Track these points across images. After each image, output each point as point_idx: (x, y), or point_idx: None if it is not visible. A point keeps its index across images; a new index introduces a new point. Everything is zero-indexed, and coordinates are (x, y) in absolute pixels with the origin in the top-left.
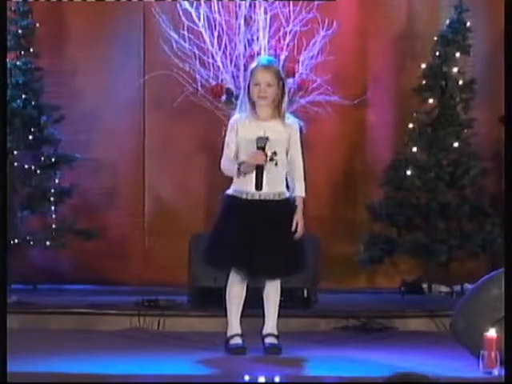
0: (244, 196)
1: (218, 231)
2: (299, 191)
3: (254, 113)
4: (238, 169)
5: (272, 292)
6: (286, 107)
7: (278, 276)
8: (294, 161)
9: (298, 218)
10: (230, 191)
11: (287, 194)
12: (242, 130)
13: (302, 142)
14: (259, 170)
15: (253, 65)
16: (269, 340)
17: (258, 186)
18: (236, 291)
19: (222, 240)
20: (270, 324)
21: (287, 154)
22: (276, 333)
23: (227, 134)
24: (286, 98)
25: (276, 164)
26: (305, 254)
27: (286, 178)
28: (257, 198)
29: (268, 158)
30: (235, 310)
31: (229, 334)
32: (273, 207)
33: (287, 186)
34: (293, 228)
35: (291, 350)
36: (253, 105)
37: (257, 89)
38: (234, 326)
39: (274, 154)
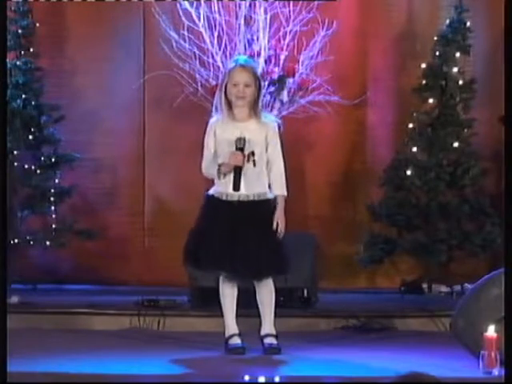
0: (224, 197)
1: (199, 233)
2: (278, 190)
3: (231, 113)
4: (219, 170)
5: (263, 292)
6: (261, 106)
7: (261, 277)
8: (272, 160)
9: (279, 216)
10: (211, 192)
11: (269, 195)
12: (220, 131)
13: (281, 140)
14: (237, 171)
15: (230, 65)
16: (268, 340)
17: (236, 186)
18: (227, 291)
19: (203, 242)
20: (267, 324)
21: (266, 154)
22: (274, 332)
23: (206, 136)
24: (261, 98)
25: (254, 164)
26: (286, 253)
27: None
28: (236, 199)
29: (246, 159)
30: (229, 310)
31: (227, 334)
32: (252, 208)
33: (270, 186)
34: (273, 227)
35: (291, 350)
36: (229, 105)
37: (235, 89)
38: (231, 325)
39: (252, 154)
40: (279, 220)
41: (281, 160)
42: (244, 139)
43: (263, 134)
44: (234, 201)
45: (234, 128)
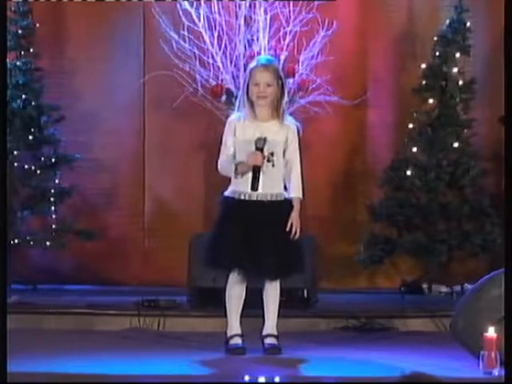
0: (241, 197)
1: (218, 233)
2: (295, 192)
3: (253, 113)
4: (236, 169)
5: (271, 292)
6: (284, 108)
7: (275, 277)
8: (290, 162)
9: (294, 219)
10: (227, 192)
11: (285, 195)
12: (240, 130)
13: (300, 143)
14: (256, 170)
15: (252, 64)
16: (268, 340)
17: (254, 186)
18: (236, 292)
19: (223, 242)
20: (270, 324)
21: (285, 155)
22: (276, 333)
23: (224, 133)
24: (285, 98)
25: (273, 165)
26: (302, 255)
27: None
28: (254, 198)
29: (265, 159)
30: (235, 311)
31: (228, 334)
32: (270, 208)
33: (285, 188)
34: (287, 229)
35: (291, 350)
36: (251, 105)
37: (256, 89)
38: (234, 326)
39: (271, 154)
40: (294, 222)
41: (299, 163)
42: (264, 139)
43: (284, 135)
44: (251, 200)
45: (255, 127)
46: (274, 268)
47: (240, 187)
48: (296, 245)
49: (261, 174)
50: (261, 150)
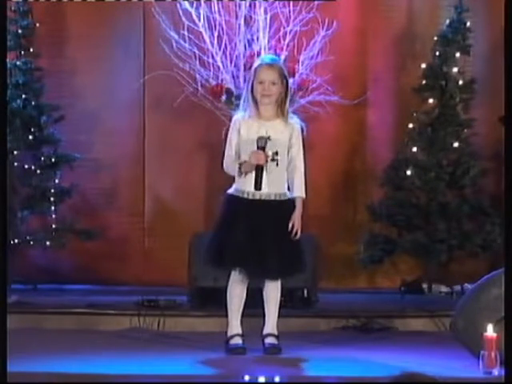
0: (245, 196)
1: (222, 232)
2: (299, 192)
3: (257, 112)
4: (239, 168)
5: (272, 292)
6: (288, 106)
7: (278, 277)
8: (294, 161)
9: (295, 218)
10: (231, 190)
11: (289, 195)
12: (245, 129)
13: (303, 142)
14: (259, 169)
15: (256, 63)
16: (269, 340)
17: (258, 185)
18: (237, 291)
19: (227, 241)
20: (270, 324)
21: (288, 155)
22: (276, 333)
23: (229, 132)
24: (289, 97)
25: (277, 164)
26: (304, 254)
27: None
28: (258, 197)
29: (269, 158)
30: (236, 311)
31: (229, 334)
32: (274, 207)
33: (288, 187)
34: (290, 228)
35: (291, 350)
36: (256, 103)
37: (261, 87)
38: (235, 326)
39: (276, 153)
40: (296, 222)
41: (302, 163)
42: (266, 139)
43: (288, 134)
44: (255, 199)
45: (260, 126)
46: (277, 267)
47: (244, 186)
48: (297, 244)
49: (264, 173)
50: (262, 148)
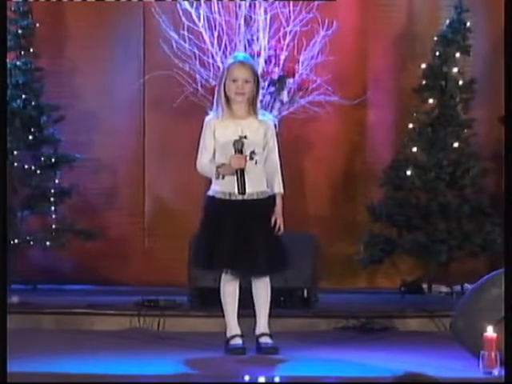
0: (227, 197)
1: (208, 234)
2: (278, 188)
3: (230, 111)
4: (217, 171)
5: (262, 290)
6: (259, 104)
7: (268, 273)
8: (270, 157)
9: (277, 214)
10: (211, 192)
11: (269, 192)
12: (220, 130)
13: (277, 138)
14: (240, 173)
15: (228, 61)
16: (263, 340)
17: (241, 189)
18: (230, 290)
19: (214, 243)
20: (263, 323)
21: (264, 151)
22: (269, 332)
23: (203, 133)
24: (259, 95)
25: (256, 162)
26: (286, 251)
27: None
28: (240, 198)
29: (248, 158)
30: (231, 310)
31: (228, 334)
32: (257, 206)
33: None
34: (272, 225)
35: (291, 350)
36: (228, 102)
37: (234, 85)
38: (233, 326)
39: (253, 152)
40: (278, 217)
41: (277, 158)
42: (242, 140)
43: (263, 131)
44: (238, 199)
45: (235, 126)
46: (266, 263)
47: (225, 188)
48: (281, 240)
49: (245, 175)
50: (240, 151)
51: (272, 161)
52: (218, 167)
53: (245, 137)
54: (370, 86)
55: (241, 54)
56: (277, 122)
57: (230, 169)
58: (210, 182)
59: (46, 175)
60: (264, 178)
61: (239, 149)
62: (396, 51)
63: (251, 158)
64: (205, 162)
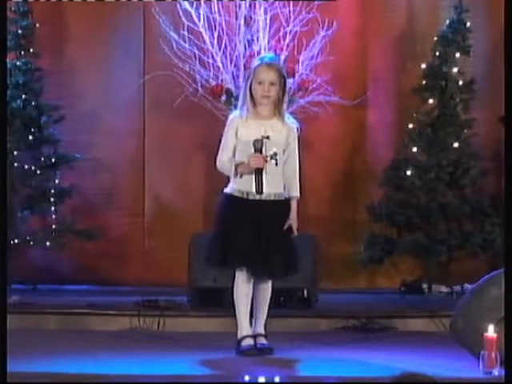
0: (245, 196)
1: (224, 232)
2: (295, 191)
3: (255, 111)
4: (236, 170)
5: (265, 292)
6: (285, 106)
7: (282, 276)
8: (290, 160)
9: (293, 220)
10: (229, 190)
11: (285, 195)
12: (243, 129)
13: (299, 142)
14: (259, 172)
15: (256, 63)
16: (260, 341)
17: (259, 189)
18: (244, 291)
19: (230, 241)
20: (259, 324)
21: (284, 154)
22: (264, 332)
23: (226, 131)
24: (286, 97)
25: (276, 164)
26: (298, 256)
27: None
28: (258, 198)
29: (268, 158)
30: (244, 311)
31: (239, 335)
32: (274, 208)
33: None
34: (286, 228)
35: (291, 350)
36: (254, 103)
37: (260, 87)
38: (245, 327)
39: (274, 154)
40: (293, 223)
41: (297, 162)
42: (262, 140)
43: (285, 134)
44: (255, 199)
45: (258, 126)
46: (281, 267)
47: (243, 186)
48: (295, 244)
49: (263, 175)
50: (260, 151)
51: (291, 164)
52: (236, 165)
53: (267, 137)
54: (369, 86)
55: (268, 56)
56: (299, 127)
57: (248, 168)
58: (210, 182)
59: (45, 175)
60: (282, 180)
61: (259, 148)
62: (396, 51)
63: (272, 158)
64: (224, 160)
